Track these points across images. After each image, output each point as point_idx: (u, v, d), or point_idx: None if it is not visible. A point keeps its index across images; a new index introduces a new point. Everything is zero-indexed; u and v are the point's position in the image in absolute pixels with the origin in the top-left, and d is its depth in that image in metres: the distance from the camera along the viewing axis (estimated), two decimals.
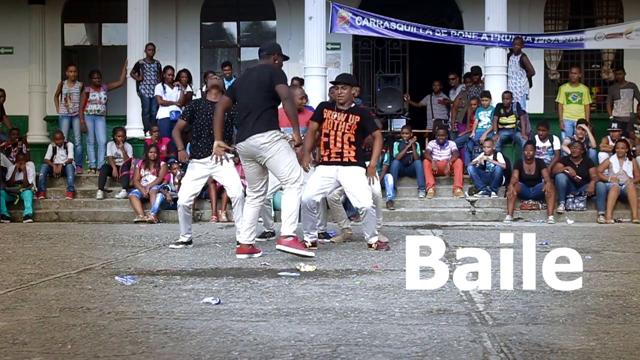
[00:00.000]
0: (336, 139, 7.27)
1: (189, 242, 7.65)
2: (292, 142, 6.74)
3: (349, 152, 7.24)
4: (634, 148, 12.01)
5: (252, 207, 6.88)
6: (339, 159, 7.24)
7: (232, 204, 7.70)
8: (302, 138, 6.95)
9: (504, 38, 12.97)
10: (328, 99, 12.90)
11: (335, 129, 7.28)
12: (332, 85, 7.81)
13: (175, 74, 13.18)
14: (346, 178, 7.23)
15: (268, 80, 6.55)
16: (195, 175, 7.57)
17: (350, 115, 7.27)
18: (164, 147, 12.28)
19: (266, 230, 8.39)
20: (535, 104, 14.18)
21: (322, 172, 7.36)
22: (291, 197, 6.64)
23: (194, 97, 13.01)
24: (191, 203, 7.69)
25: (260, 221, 8.42)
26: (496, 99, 12.67)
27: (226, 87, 12.79)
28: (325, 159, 7.35)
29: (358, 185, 7.18)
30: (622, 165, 11.51)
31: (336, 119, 7.29)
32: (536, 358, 3.28)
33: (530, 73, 13.01)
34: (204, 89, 13.07)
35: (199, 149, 7.55)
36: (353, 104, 7.44)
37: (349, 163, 7.23)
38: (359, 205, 7.18)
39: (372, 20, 13.30)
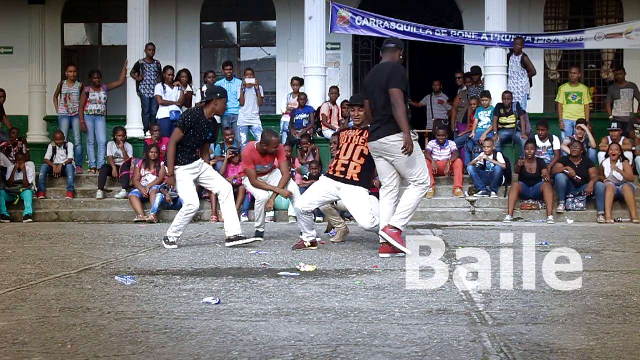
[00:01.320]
0: (347, 149, 7.28)
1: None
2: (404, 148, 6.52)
3: (355, 168, 7.20)
4: (633, 148, 12.00)
5: (388, 206, 6.79)
6: (342, 176, 7.23)
7: (221, 201, 7.65)
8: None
9: (504, 38, 12.97)
10: (328, 99, 12.98)
11: (348, 141, 7.33)
12: (348, 105, 7.79)
13: (175, 74, 13.18)
14: (348, 198, 7.23)
15: (386, 83, 6.53)
16: (189, 180, 7.57)
17: (366, 131, 7.17)
18: (164, 147, 12.27)
19: (260, 230, 8.41)
20: (535, 104, 14.19)
21: (324, 185, 7.38)
22: (414, 193, 6.61)
23: (193, 97, 13.03)
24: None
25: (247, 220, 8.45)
26: (496, 99, 12.68)
27: (223, 88, 12.92)
28: (331, 172, 7.36)
29: (359, 206, 7.14)
30: (613, 169, 11.46)
31: (351, 134, 7.36)
32: (536, 358, 3.28)
33: (531, 73, 13.01)
34: (204, 88, 13.12)
35: (185, 158, 7.54)
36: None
37: (352, 182, 7.21)
38: (360, 225, 7.23)
39: (372, 20, 13.30)
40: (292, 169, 11.51)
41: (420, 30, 13.37)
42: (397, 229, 6.53)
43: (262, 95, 13.15)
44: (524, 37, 13.10)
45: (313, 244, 7.39)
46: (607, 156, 11.68)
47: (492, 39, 12.98)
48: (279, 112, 14.07)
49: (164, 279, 5.48)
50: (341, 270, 5.94)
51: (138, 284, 5.26)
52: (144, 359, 3.30)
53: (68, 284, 5.31)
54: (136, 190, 11.55)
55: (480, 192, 11.79)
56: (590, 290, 4.91)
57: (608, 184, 11.14)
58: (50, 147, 12.81)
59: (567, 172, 11.30)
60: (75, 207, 12.03)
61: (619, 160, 11.46)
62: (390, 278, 5.49)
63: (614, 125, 12.41)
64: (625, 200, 11.10)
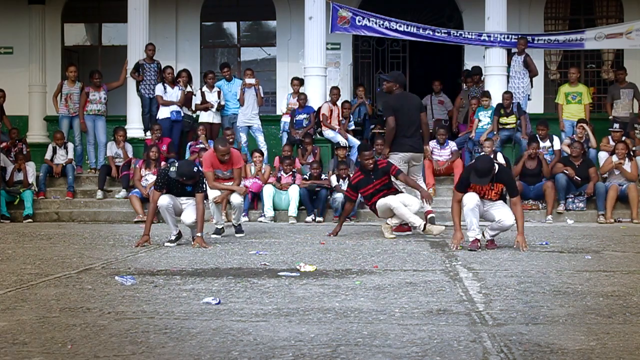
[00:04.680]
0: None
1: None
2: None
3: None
4: (634, 148, 11.99)
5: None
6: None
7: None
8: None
9: (503, 38, 12.96)
10: (329, 99, 12.96)
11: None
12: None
13: (175, 74, 13.17)
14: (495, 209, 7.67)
15: (420, 107, 9.35)
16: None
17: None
18: (164, 147, 12.27)
19: (218, 227, 9.09)
20: (535, 104, 14.16)
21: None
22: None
23: (193, 97, 13.02)
24: None
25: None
26: (496, 99, 12.67)
27: (223, 90, 12.94)
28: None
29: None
30: (617, 168, 11.44)
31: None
32: (536, 358, 3.28)
33: (533, 73, 12.98)
34: (204, 88, 13.13)
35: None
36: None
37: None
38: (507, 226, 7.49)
39: (373, 20, 13.29)
40: (296, 170, 11.56)
41: (420, 30, 13.36)
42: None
43: (262, 95, 13.14)
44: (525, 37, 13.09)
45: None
46: (612, 153, 11.62)
47: (492, 39, 12.97)
48: (278, 112, 14.06)
49: (164, 279, 5.48)
50: (341, 270, 5.94)
51: (138, 284, 5.26)
52: (144, 359, 3.30)
53: (68, 284, 5.31)
54: (136, 190, 11.55)
55: None
56: (590, 290, 4.91)
57: (611, 183, 11.12)
58: (50, 147, 12.80)
59: (567, 172, 11.29)
60: (75, 207, 12.02)
61: (626, 159, 11.43)
62: (390, 278, 5.50)
63: (616, 125, 12.39)
64: (625, 200, 11.09)
